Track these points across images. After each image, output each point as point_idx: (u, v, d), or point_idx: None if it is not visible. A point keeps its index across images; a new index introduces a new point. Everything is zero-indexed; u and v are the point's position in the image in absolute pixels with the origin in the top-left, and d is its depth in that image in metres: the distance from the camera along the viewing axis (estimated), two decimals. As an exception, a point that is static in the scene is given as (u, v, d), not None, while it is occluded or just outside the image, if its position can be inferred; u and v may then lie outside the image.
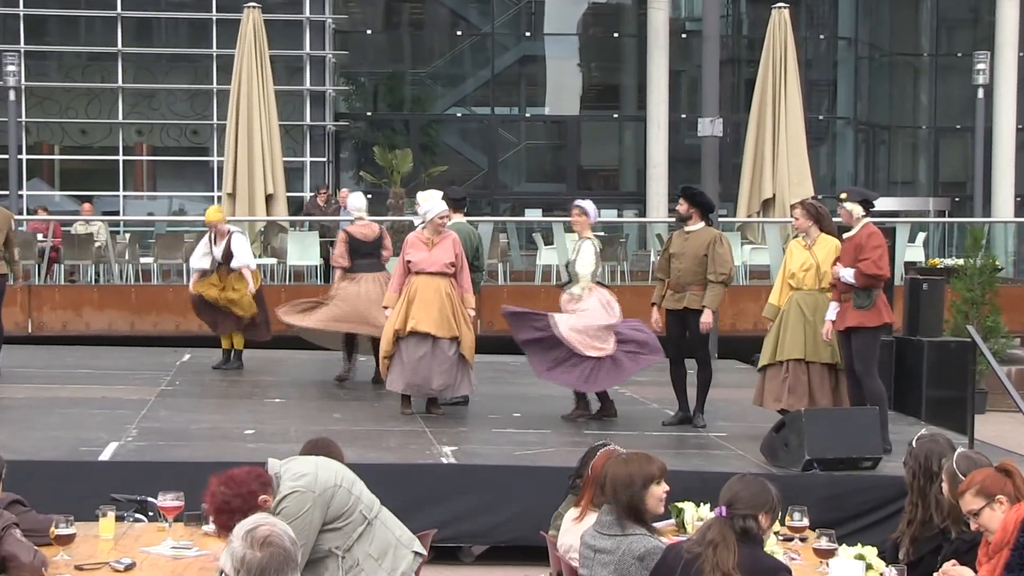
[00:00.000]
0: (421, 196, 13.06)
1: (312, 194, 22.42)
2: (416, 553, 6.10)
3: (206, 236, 14.97)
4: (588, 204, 11.97)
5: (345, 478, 5.94)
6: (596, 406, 12.16)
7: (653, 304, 11.80)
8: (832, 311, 10.69)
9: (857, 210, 10.66)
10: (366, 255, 13.59)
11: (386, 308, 11.93)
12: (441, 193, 12.35)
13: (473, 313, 11.99)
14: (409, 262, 11.76)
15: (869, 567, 6.16)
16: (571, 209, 12.03)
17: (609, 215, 31.26)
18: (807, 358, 10.91)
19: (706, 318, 11.54)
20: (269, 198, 20.87)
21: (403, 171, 28.59)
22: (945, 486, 6.21)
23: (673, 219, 11.85)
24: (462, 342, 11.76)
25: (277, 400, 13.29)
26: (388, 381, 11.92)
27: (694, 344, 11.78)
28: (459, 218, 12.83)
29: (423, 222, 11.91)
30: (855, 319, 10.56)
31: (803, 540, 6.67)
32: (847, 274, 10.54)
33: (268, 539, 3.79)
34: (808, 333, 10.86)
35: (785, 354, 10.95)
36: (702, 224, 11.69)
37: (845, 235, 10.82)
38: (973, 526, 5.83)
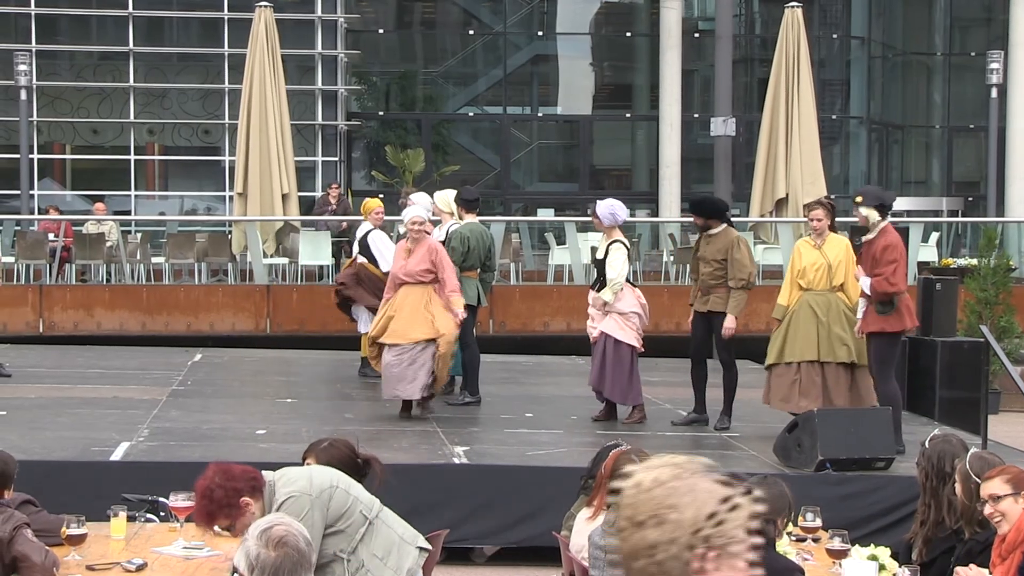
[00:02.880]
0: (439, 197, 13.08)
1: (324, 193, 22.21)
2: (421, 549, 6.07)
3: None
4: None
5: (341, 480, 5.92)
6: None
7: (691, 304, 11.89)
8: (860, 309, 10.70)
9: (873, 215, 10.55)
10: None
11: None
12: (425, 196, 12.36)
13: (460, 315, 11.86)
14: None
15: (882, 568, 6.14)
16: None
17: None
18: (821, 359, 10.87)
19: (730, 323, 11.57)
20: (284, 198, 20.91)
21: (415, 170, 28.65)
22: (958, 487, 6.17)
23: (687, 219, 11.89)
24: (440, 342, 11.66)
25: (288, 400, 13.29)
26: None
27: (718, 346, 11.80)
28: (471, 218, 12.82)
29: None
30: (876, 324, 10.56)
31: (816, 541, 6.65)
32: (865, 283, 10.58)
33: (283, 539, 3.79)
34: (821, 333, 10.82)
35: (796, 355, 10.92)
36: (723, 226, 11.72)
37: (864, 238, 10.76)
38: (988, 510, 5.78)
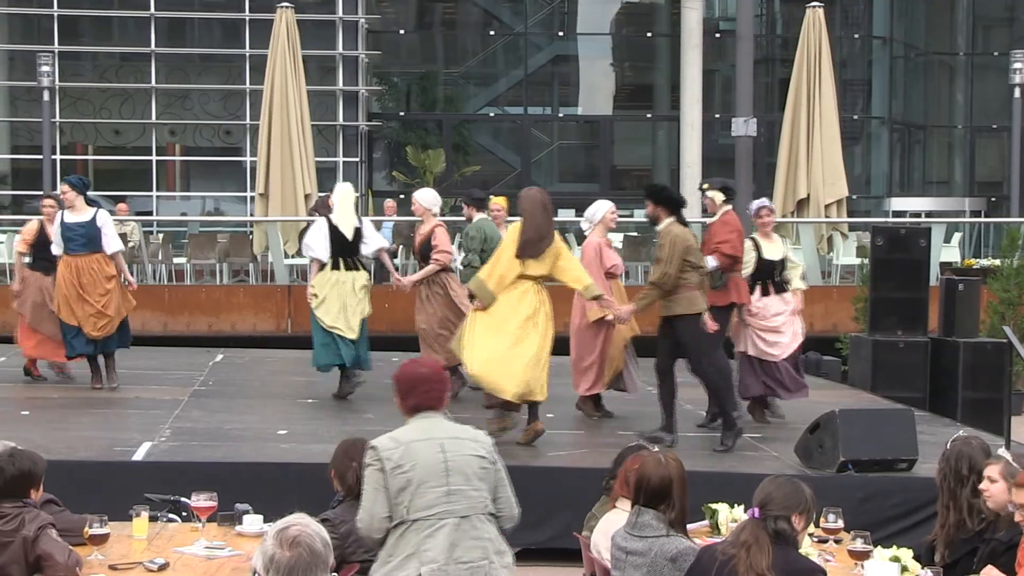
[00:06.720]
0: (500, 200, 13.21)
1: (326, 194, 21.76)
2: None
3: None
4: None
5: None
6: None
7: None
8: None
9: (718, 197, 11.37)
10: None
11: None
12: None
13: None
14: (614, 265, 12.04)
15: (905, 569, 6.12)
16: (761, 211, 12.03)
17: (642, 215, 31.14)
18: None
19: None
20: (307, 198, 20.95)
21: (435, 171, 28.71)
22: (998, 486, 6.11)
23: (708, 220, 11.79)
24: None
25: (309, 400, 13.29)
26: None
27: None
28: (482, 216, 13.06)
29: (591, 225, 12.04)
30: (709, 299, 10.86)
31: (838, 542, 6.64)
32: (711, 261, 11.03)
33: (297, 539, 3.81)
34: None
35: None
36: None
37: (708, 222, 11.57)
38: (1018, 518, 5.77)
